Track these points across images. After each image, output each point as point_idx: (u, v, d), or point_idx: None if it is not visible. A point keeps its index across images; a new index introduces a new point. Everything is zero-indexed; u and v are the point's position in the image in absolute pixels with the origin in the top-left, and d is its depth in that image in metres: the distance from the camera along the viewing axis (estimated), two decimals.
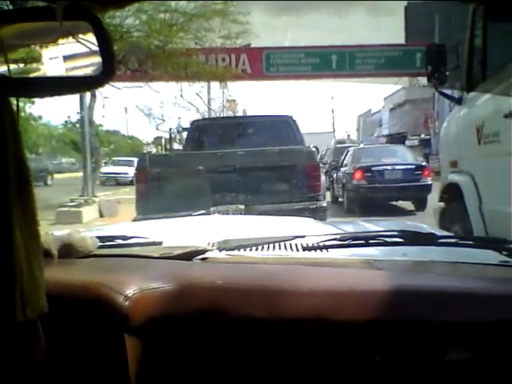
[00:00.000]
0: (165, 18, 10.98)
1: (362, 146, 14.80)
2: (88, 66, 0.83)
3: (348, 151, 12.32)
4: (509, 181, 2.89)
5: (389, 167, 10.51)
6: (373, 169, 10.57)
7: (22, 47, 0.85)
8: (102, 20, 0.76)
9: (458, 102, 4.07)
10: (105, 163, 32.55)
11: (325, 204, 5.27)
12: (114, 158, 28.75)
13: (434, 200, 4.75)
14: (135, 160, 11.98)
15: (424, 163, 11.23)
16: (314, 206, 4.93)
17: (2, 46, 0.77)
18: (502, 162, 3.15)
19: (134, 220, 4.69)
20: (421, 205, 10.06)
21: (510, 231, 3.06)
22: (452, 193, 4.00)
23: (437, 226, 4.03)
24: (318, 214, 4.51)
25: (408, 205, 10.73)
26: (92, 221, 9.73)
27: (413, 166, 10.58)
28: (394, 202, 10.90)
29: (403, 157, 11.19)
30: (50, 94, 0.77)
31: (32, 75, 0.85)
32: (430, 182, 10.11)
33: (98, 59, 0.75)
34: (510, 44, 3.28)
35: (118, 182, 23.87)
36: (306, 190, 5.04)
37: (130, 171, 18.59)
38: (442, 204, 4.25)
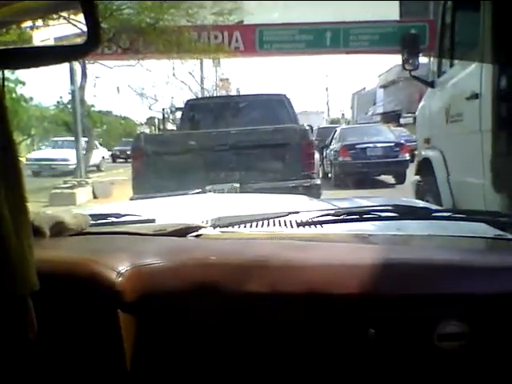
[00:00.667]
0: None
1: (346, 126, 16.38)
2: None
3: (335, 131, 13.27)
4: (470, 155, 3.34)
5: (371, 145, 11.55)
6: (356, 146, 11.54)
7: (11, 25, 0.88)
8: None
9: (431, 85, 4.55)
10: (100, 144, 32.25)
11: (319, 182, 5.29)
12: (54, 139, 23.85)
13: (412, 174, 5.33)
14: (81, 140, 11.62)
15: (402, 141, 12.20)
16: (308, 184, 4.94)
17: None
18: (465, 139, 3.60)
19: (131, 199, 4.68)
20: (400, 178, 11.03)
21: (471, 199, 3.53)
22: (425, 167, 4.43)
23: (413, 197, 4.54)
24: (312, 192, 4.49)
25: (389, 178, 11.76)
26: (86, 202, 9.74)
27: (392, 144, 11.65)
28: (376, 177, 11.78)
29: (384, 135, 12.30)
30: (35, 64, 0.75)
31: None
32: (407, 158, 11.13)
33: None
34: (474, 32, 3.51)
35: (54, 171, 17.55)
36: (300, 168, 5.05)
37: (71, 156, 14.62)
38: (417, 177, 4.74)
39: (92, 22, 0.73)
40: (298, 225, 1.24)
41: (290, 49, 14.94)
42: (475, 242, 1.15)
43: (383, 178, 11.87)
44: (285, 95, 7.20)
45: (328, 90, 45.79)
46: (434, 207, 1.45)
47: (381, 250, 1.03)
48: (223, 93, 23.26)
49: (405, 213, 1.23)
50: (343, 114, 47.37)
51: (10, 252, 0.66)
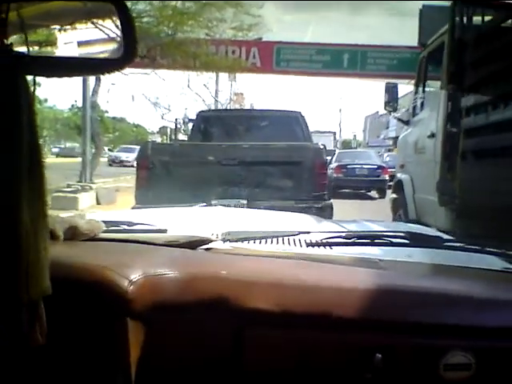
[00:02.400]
0: (176, 6, 10.76)
1: (342, 150, 20.37)
2: (101, 52, 0.84)
3: (334, 153, 15.14)
4: (428, 179, 4.54)
5: (359, 166, 15.10)
6: (348, 166, 15.05)
7: (43, 27, 0.91)
8: (125, 3, 0.75)
9: (407, 123, 5.91)
10: (109, 150, 32.54)
11: (330, 202, 5.05)
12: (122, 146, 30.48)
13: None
14: (88, 145, 11.78)
15: (384, 164, 15.83)
16: (320, 205, 4.72)
17: (22, 25, 0.76)
18: (425, 167, 4.84)
19: (132, 209, 4.52)
20: (381, 193, 14.07)
21: (428, 211, 4.73)
22: (398, 186, 5.83)
23: (390, 209, 6.07)
24: (323, 214, 4.30)
25: (374, 194, 15.15)
26: (88, 208, 9.56)
27: (376, 166, 15.27)
28: (365, 192, 15.25)
29: (371, 159, 16.04)
30: (67, 73, 0.76)
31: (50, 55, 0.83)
32: (387, 178, 14.06)
33: (111, 45, 0.76)
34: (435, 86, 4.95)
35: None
36: (312, 188, 4.87)
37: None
38: (394, 194, 6.14)
39: (129, 35, 0.74)
40: (308, 245, 1.24)
41: (306, 68, 14.91)
42: (484, 274, 1.15)
43: (371, 193, 15.30)
44: (300, 113, 7.04)
45: (341, 112, 45.69)
46: (446, 236, 1.44)
47: (390, 276, 1.04)
48: (237, 107, 23.26)
49: (416, 240, 1.24)
50: (355, 136, 47.33)
51: (26, 255, 0.66)
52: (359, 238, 1.24)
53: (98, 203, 10.30)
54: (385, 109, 6.14)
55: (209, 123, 7.21)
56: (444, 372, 0.89)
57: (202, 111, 8.44)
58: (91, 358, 0.89)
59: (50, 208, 0.75)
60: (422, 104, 5.43)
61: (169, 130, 25.44)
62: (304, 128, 6.78)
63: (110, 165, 27.56)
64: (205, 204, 3.41)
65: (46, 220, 0.71)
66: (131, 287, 0.87)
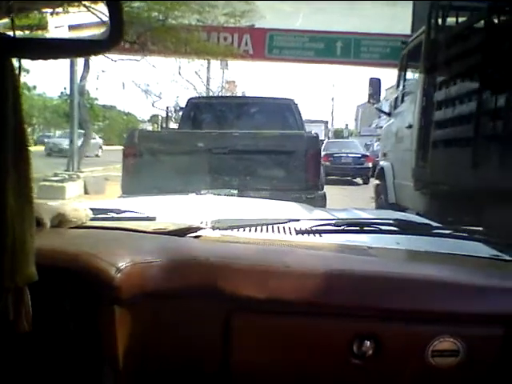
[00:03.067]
0: None
1: (330, 140, 21.49)
2: (92, 36, 0.82)
3: (323, 143, 16.25)
4: (406, 166, 5.04)
5: (344, 155, 16.64)
6: (335, 155, 16.44)
7: (32, 10, 0.77)
8: None
9: (389, 115, 6.59)
10: (100, 137, 31.87)
11: (323, 192, 4.95)
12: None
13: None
14: (76, 132, 11.36)
15: (367, 153, 17.49)
16: (313, 196, 4.60)
17: (9, 8, 0.76)
18: (404, 155, 5.34)
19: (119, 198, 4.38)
20: (365, 180, 15.67)
21: (406, 195, 5.30)
22: (381, 173, 6.38)
23: (374, 194, 6.77)
24: (316, 204, 4.18)
25: (359, 180, 16.60)
26: (76, 197, 9.39)
27: (360, 155, 16.92)
28: (351, 178, 16.54)
29: (356, 148, 17.70)
30: (53, 55, 0.75)
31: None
32: (370, 166, 15.36)
33: (103, 28, 0.73)
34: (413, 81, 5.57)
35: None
36: (305, 177, 4.75)
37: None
38: (376, 181, 6.74)
39: (116, 18, 0.72)
40: (298, 233, 1.24)
41: (299, 56, 14.80)
42: (472, 261, 1.17)
43: (356, 180, 16.67)
44: (293, 100, 6.94)
45: (333, 100, 45.52)
46: (435, 224, 1.44)
47: (379, 262, 1.05)
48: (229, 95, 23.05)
49: (405, 228, 1.25)
50: (347, 125, 47.16)
51: (12, 241, 0.66)
52: (348, 225, 1.25)
53: (86, 193, 10.13)
54: (369, 101, 6.81)
55: (199, 110, 7.07)
56: (432, 358, 0.90)
57: (193, 98, 8.21)
58: (78, 345, 0.89)
59: (36, 198, 0.75)
60: (403, 97, 6.02)
61: (160, 118, 25.21)
62: (297, 116, 6.68)
63: (49, 154, 23.60)
64: (194, 193, 3.31)
65: (32, 206, 0.71)
66: (118, 275, 0.87)
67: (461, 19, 4.53)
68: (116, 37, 0.72)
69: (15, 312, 0.72)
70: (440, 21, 4.67)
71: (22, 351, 0.86)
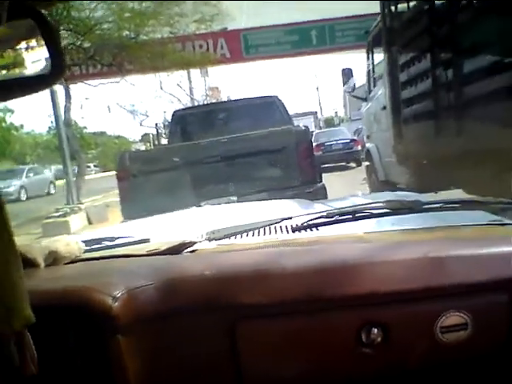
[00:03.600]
0: (134, 7, 10.54)
1: (318, 130, 22.59)
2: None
3: (313, 134, 16.90)
4: (388, 144, 5.45)
5: (334, 142, 17.41)
6: (325, 144, 17.18)
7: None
8: (46, 16, 0.74)
9: (365, 100, 7.13)
10: (95, 166, 31.58)
11: (322, 184, 4.90)
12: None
13: None
14: (69, 166, 11.08)
15: (355, 137, 17.83)
16: (311, 190, 4.55)
17: None
18: (384, 135, 5.73)
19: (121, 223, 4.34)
20: (358, 162, 15.52)
21: (392, 171, 5.71)
22: (368, 155, 6.83)
23: (366, 175, 7.16)
24: (317, 197, 4.13)
25: (352, 164, 17.07)
26: (81, 229, 9.35)
27: (348, 140, 17.64)
28: (345, 163, 17.24)
29: (344, 134, 18.56)
30: (3, 97, 0.77)
31: None
32: (359, 149, 15.34)
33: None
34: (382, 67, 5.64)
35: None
36: (301, 173, 4.69)
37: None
38: (366, 162, 7.09)
39: (54, 50, 0.72)
40: (293, 230, 1.24)
41: (276, 51, 14.82)
42: (469, 230, 1.16)
43: (350, 164, 17.24)
44: (276, 96, 6.91)
45: (319, 90, 45.42)
46: (425, 199, 1.40)
47: (376, 248, 1.03)
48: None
49: (396, 208, 1.23)
50: (336, 113, 47.09)
51: (1, 289, 0.67)
52: (341, 214, 1.23)
53: (90, 223, 10.06)
54: (344, 90, 7.64)
55: (186, 122, 7.05)
56: (441, 335, 0.89)
57: (177, 111, 8.16)
58: (87, 379, 0.89)
59: (43, 236, 0.70)
60: (374, 81, 6.48)
61: (151, 136, 25.21)
62: (283, 111, 6.65)
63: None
64: (194, 207, 3.29)
65: (15, 250, 0.71)
66: (116, 303, 0.86)
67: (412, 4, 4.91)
68: (58, 68, 0.72)
69: (20, 356, 0.72)
70: (393, 8, 5.16)
71: None
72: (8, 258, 0.69)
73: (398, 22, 5.07)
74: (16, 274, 0.70)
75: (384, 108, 5.61)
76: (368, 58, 6.76)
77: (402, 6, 5.06)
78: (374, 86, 6.48)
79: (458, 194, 4.12)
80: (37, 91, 0.84)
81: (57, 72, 0.73)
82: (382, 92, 5.81)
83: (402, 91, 5.03)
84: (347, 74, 7.42)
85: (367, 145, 7.03)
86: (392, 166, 5.63)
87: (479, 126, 3.54)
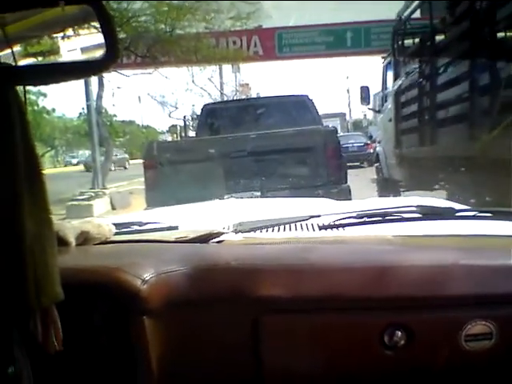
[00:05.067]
0: (172, 1, 10.61)
1: (339, 134, 23.80)
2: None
3: None
4: (392, 149, 6.80)
5: (350, 145, 19.16)
6: (343, 146, 17.16)
7: (32, 39, 0.89)
8: (102, 2, 0.75)
9: (378, 112, 8.92)
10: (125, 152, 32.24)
11: (347, 185, 4.89)
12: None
13: None
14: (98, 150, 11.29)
15: (369, 141, 19.85)
16: (336, 190, 4.55)
17: (7, 37, 0.77)
18: (390, 142, 7.05)
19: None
20: (369, 163, 16.18)
21: (395, 171, 6.92)
22: (377, 157, 8.25)
23: (375, 173, 8.52)
24: (340, 197, 4.13)
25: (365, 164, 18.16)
26: (104, 214, 9.49)
27: (362, 144, 20.24)
28: (358, 163, 18.33)
29: (359, 139, 21.30)
30: (55, 80, 0.77)
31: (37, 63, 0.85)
32: (371, 151, 16.21)
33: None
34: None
35: None
36: (327, 173, 4.69)
37: None
38: (376, 163, 8.42)
39: (110, 35, 0.73)
40: (320, 228, 1.23)
41: (309, 51, 14.72)
42: (499, 241, 1.14)
43: (364, 164, 18.47)
44: (307, 96, 6.91)
45: (349, 92, 45.01)
46: (458, 207, 1.41)
47: (404, 251, 1.03)
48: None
49: (428, 213, 1.22)
50: (365, 115, 46.61)
51: (33, 263, 0.67)
52: (370, 216, 1.23)
53: (113, 208, 10.23)
54: (361, 104, 9.17)
55: (215, 116, 7.07)
56: (465, 343, 0.88)
57: (207, 104, 8.24)
58: (111, 359, 0.90)
59: (66, 217, 0.73)
60: (386, 98, 7.88)
61: (178, 128, 25.34)
62: (313, 111, 6.63)
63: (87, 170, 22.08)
64: (218, 200, 3.33)
65: (52, 228, 0.72)
66: (144, 286, 0.87)
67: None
68: (112, 55, 0.73)
69: (44, 333, 0.73)
70: (400, 43, 6.60)
71: (55, 371, 0.87)
72: (44, 233, 0.70)
73: (403, 54, 6.61)
74: (50, 250, 0.70)
75: (390, 120, 7.08)
76: (383, 78, 8.26)
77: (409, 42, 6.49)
78: (386, 101, 7.87)
79: (485, 202, 4.14)
80: (90, 75, 0.88)
81: (111, 58, 0.74)
82: (390, 107, 7.25)
83: (402, 109, 6.50)
84: (365, 90, 9.03)
85: (377, 149, 8.52)
86: (393, 166, 7.04)
87: (448, 137, 4.87)
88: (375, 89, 9.61)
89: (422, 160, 5.74)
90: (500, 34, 3.98)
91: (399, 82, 6.69)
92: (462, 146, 4.42)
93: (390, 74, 7.49)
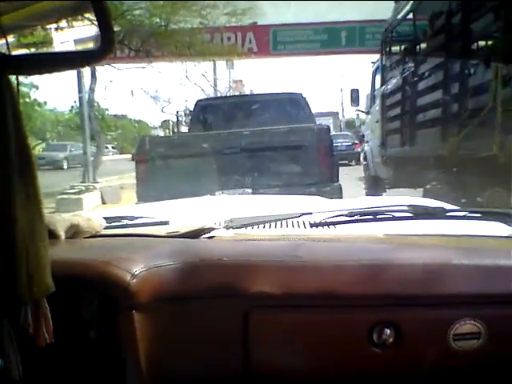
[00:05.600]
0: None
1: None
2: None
3: None
4: (377, 149, 7.60)
5: (339, 144, 19.00)
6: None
7: (27, 28, 0.77)
8: None
9: (367, 113, 9.58)
10: (112, 147, 32.00)
11: (339, 184, 4.89)
12: (50, 143, 27.25)
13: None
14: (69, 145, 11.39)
15: (356, 141, 20.47)
16: (328, 188, 4.56)
17: (1, 27, 0.76)
18: (375, 141, 7.87)
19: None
20: (357, 161, 17.45)
21: (379, 169, 7.62)
22: (365, 155, 9.26)
23: (363, 171, 9.46)
24: (332, 196, 4.14)
25: (352, 162, 19.65)
26: (94, 208, 9.43)
27: (350, 143, 21.34)
28: (346, 162, 19.30)
29: (348, 138, 22.43)
30: (49, 70, 0.77)
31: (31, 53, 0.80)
32: (359, 150, 16.91)
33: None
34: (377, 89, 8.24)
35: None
36: (319, 171, 4.69)
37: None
38: (364, 161, 9.40)
39: (105, 27, 0.73)
40: (312, 226, 1.23)
41: (304, 49, 14.70)
42: (489, 242, 1.15)
43: (352, 163, 19.74)
44: (301, 94, 6.89)
45: (342, 91, 45.12)
46: (449, 207, 1.42)
47: (394, 250, 1.03)
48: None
49: (419, 213, 1.23)
50: (358, 115, 46.75)
51: (25, 255, 0.67)
52: (362, 214, 1.23)
53: (104, 202, 10.16)
54: (351, 105, 9.95)
55: (208, 112, 7.04)
56: (454, 342, 0.89)
57: (200, 100, 8.19)
58: (99, 352, 0.90)
59: (56, 211, 0.71)
60: (374, 100, 8.47)
61: (171, 123, 25.26)
62: (306, 109, 6.63)
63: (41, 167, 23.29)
64: (209, 196, 3.31)
65: (43, 219, 0.71)
66: (134, 280, 0.87)
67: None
68: (107, 45, 0.72)
69: (36, 325, 0.72)
70: (388, 50, 7.35)
71: (45, 363, 0.87)
72: (35, 226, 0.69)
73: (389, 61, 7.31)
74: (41, 242, 0.70)
75: (377, 121, 7.74)
76: (372, 81, 8.81)
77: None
78: (374, 103, 8.46)
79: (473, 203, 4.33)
80: (84, 66, 0.87)
81: (106, 48, 0.73)
82: (377, 110, 7.84)
83: (387, 112, 7.12)
84: (355, 92, 9.79)
85: (365, 148, 9.32)
86: (378, 164, 7.67)
87: (424, 139, 5.50)
88: (368, 88, 9.85)
89: (402, 159, 6.39)
90: (473, 47, 4.46)
91: (384, 86, 7.33)
92: (435, 147, 4.97)
93: (378, 78, 8.04)
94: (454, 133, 4.48)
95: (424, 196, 5.43)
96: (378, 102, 7.78)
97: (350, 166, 18.90)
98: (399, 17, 6.86)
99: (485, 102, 3.86)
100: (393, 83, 6.88)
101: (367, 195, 8.16)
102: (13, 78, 0.70)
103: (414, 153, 5.84)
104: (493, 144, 3.55)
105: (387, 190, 7.44)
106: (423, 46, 6.05)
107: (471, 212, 1.29)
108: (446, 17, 4.79)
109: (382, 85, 7.52)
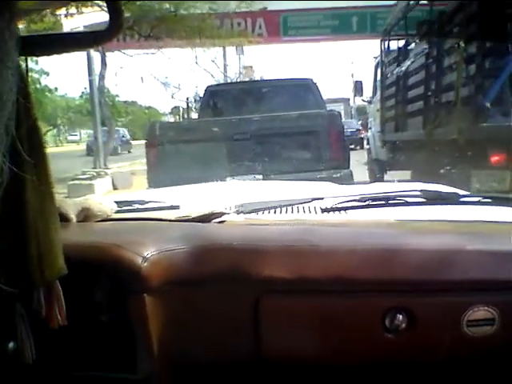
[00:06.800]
0: None
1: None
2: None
3: None
4: (377, 134, 8.92)
5: (345, 130, 18.47)
6: None
7: (37, 11, 0.77)
8: None
9: (370, 102, 10.57)
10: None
11: (349, 170, 4.86)
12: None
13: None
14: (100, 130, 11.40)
15: (360, 127, 21.66)
16: (338, 175, 4.54)
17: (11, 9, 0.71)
18: (376, 128, 9.15)
19: None
20: (361, 146, 18.22)
21: (380, 153, 8.67)
22: (368, 141, 10.56)
23: (366, 154, 10.31)
24: (343, 182, 4.11)
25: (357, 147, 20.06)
26: (105, 194, 9.47)
27: (355, 129, 21.93)
28: (352, 146, 19.13)
29: (352, 125, 23.09)
30: (57, 51, 0.77)
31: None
32: (362, 136, 18.58)
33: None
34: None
35: None
36: (330, 157, 4.67)
37: None
38: (367, 145, 10.70)
39: (114, 7, 0.72)
40: (323, 211, 1.23)
41: (315, 35, 14.54)
42: (503, 227, 1.13)
43: (357, 148, 20.07)
44: (311, 80, 6.81)
45: (353, 77, 44.76)
46: (462, 192, 1.40)
47: (407, 235, 1.03)
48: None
49: (432, 198, 1.22)
50: (368, 101, 46.40)
51: (36, 237, 0.67)
52: (374, 200, 1.21)
53: (115, 188, 10.23)
54: (355, 96, 10.93)
55: (218, 98, 7.00)
56: (467, 328, 0.88)
57: (210, 86, 8.14)
58: (111, 336, 0.90)
59: (67, 196, 0.71)
60: (376, 90, 9.37)
61: (181, 110, 25.23)
62: (317, 95, 6.56)
63: (88, 154, 23.46)
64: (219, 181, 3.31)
65: (54, 203, 0.71)
66: (145, 264, 0.87)
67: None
68: (115, 25, 0.72)
69: (48, 307, 0.73)
70: (388, 45, 8.27)
71: (57, 345, 0.87)
72: (47, 208, 0.69)
73: (388, 57, 8.13)
74: (53, 225, 0.70)
75: (378, 110, 8.61)
76: (374, 74, 9.62)
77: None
78: (375, 93, 9.44)
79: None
80: (92, 47, 0.86)
81: (114, 28, 0.73)
82: (377, 99, 8.78)
83: (386, 102, 8.03)
84: (359, 84, 11.04)
85: (368, 134, 10.55)
86: (379, 148, 8.66)
87: (412, 126, 6.55)
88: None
89: (397, 143, 7.47)
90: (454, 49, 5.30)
91: (383, 79, 8.32)
92: (418, 133, 6.06)
93: (379, 72, 8.92)
94: (431, 121, 5.58)
95: (412, 176, 6.62)
96: (378, 93, 8.89)
97: (355, 150, 19.37)
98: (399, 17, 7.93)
99: (453, 97, 4.98)
100: (389, 78, 7.98)
101: (370, 177, 8.82)
102: (22, 62, 0.69)
103: (405, 137, 6.95)
104: (455, 130, 4.72)
105: (387, 172, 8.27)
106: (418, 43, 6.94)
107: (484, 197, 1.28)
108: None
109: (381, 78, 8.60)
